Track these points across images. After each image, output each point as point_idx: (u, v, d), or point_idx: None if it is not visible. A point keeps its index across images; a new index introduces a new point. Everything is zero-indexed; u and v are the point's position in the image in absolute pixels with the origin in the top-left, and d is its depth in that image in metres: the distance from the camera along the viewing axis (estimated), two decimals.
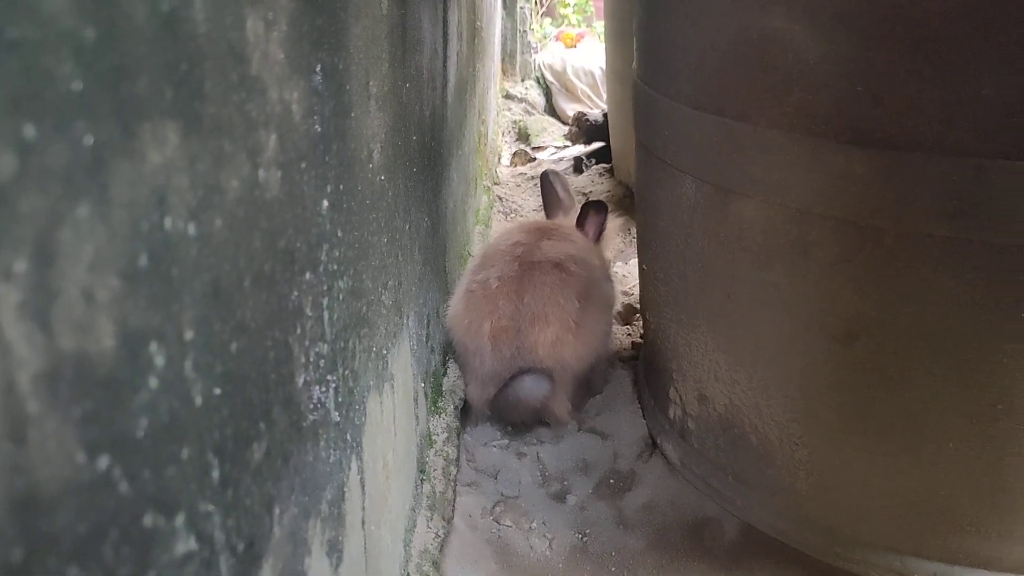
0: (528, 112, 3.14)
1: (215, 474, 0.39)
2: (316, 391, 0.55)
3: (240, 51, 0.42)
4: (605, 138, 2.44)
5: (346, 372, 0.63)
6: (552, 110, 3.33)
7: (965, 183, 0.70)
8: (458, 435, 1.18)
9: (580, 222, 1.36)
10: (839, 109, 0.76)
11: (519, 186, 2.36)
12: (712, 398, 1.02)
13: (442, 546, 0.97)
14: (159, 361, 0.33)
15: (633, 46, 1.14)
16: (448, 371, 1.24)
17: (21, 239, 0.25)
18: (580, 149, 2.59)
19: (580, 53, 3.37)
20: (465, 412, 1.22)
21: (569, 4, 4.02)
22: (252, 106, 0.44)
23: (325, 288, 0.58)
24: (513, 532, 1.04)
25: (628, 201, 2.07)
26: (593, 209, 1.36)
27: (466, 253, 1.54)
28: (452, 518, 1.03)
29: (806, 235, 0.82)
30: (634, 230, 1.59)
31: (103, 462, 0.29)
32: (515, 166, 2.58)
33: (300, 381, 0.52)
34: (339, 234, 0.61)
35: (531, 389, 1.14)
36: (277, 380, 0.48)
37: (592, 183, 2.26)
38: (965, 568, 0.86)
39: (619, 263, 1.82)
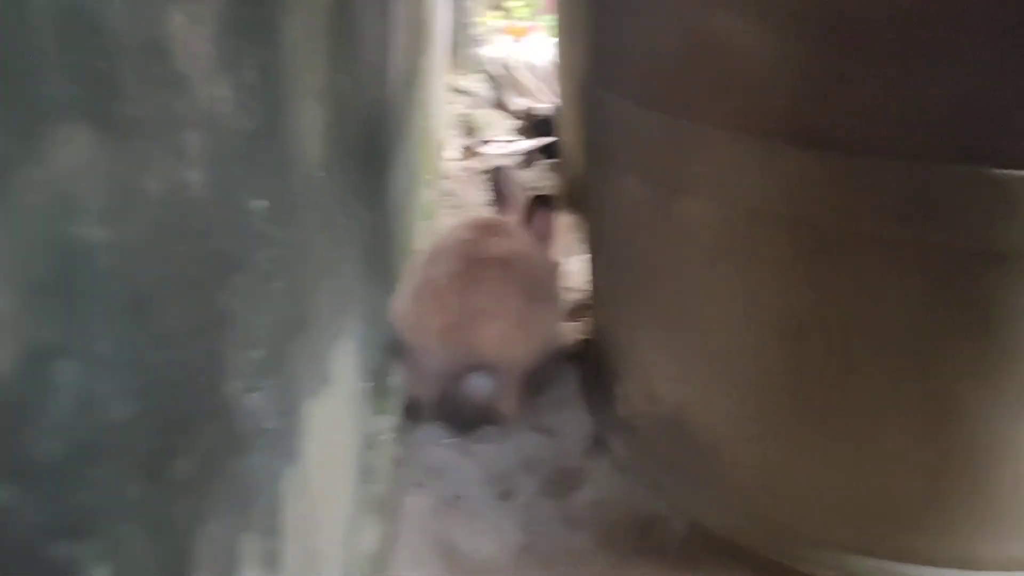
0: (475, 106, 3.12)
1: (135, 494, 0.36)
2: (249, 399, 0.53)
3: (163, 46, 0.40)
4: (554, 133, 2.43)
5: (282, 377, 0.61)
6: (500, 104, 3.31)
7: (915, 186, 0.71)
8: (404, 435, 1.16)
9: (528, 218, 1.35)
10: (789, 110, 0.76)
11: (467, 180, 2.33)
12: (660, 395, 1.02)
13: (387, 549, 0.95)
14: (66, 379, 0.30)
15: (583, 41, 1.13)
16: (394, 370, 1.22)
17: None
18: (529, 144, 2.58)
19: (528, 47, 3.36)
20: (411, 411, 1.21)
21: None
22: (177, 104, 0.42)
23: (259, 291, 0.56)
24: (459, 532, 1.03)
25: (577, 197, 2.07)
26: (541, 205, 1.35)
27: (411, 249, 1.52)
28: (398, 520, 1.01)
29: (756, 234, 0.82)
30: (582, 226, 1.59)
31: (3, 493, 0.27)
32: (463, 160, 2.56)
33: (232, 389, 0.50)
34: (274, 233, 0.59)
35: (478, 387, 1.13)
36: (206, 390, 0.46)
37: (541, 178, 2.25)
38: (912, 565, 0.87)
39: (567, 259, 1.82)
